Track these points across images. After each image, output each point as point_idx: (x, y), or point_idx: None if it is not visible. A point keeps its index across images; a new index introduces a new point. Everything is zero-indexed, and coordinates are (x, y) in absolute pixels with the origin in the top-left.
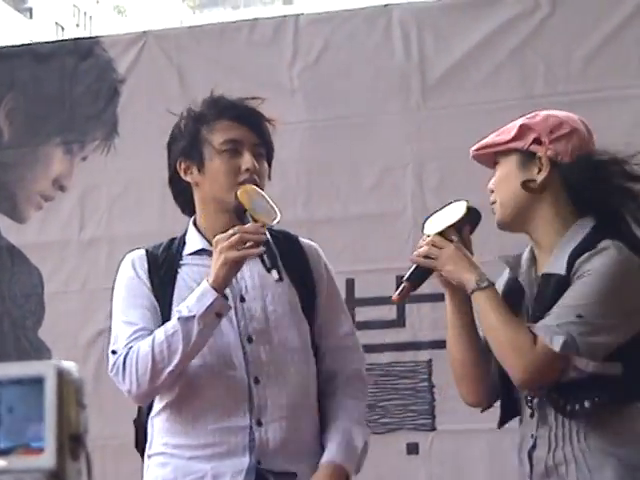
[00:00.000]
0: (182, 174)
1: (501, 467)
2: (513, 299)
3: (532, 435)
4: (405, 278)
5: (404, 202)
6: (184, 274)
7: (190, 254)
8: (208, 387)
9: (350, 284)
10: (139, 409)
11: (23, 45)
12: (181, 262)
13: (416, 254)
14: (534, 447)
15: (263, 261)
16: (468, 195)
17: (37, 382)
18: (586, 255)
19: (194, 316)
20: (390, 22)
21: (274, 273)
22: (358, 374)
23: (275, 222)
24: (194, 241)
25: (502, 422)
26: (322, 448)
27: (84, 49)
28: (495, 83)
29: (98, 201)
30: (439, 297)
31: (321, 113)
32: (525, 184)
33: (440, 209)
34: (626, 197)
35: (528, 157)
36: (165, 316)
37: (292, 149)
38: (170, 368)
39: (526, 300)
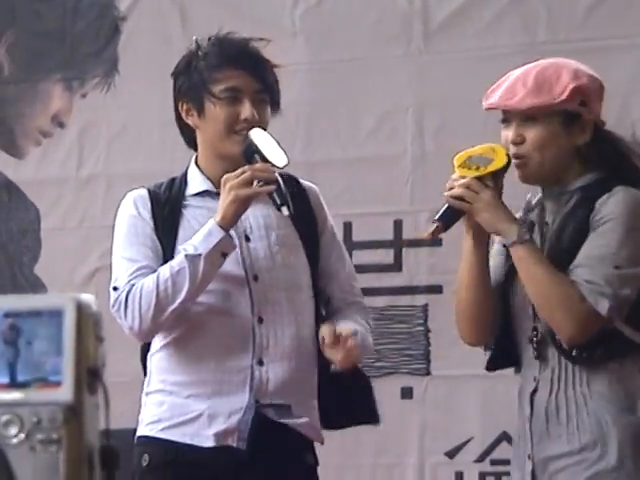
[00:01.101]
0: (183, 115)
1: (494, 412)
2: None
3: (535, 378)
4: (437, 217)
5: (403, 146)
6: (189, 215)
7: (193, 195)
8: (212, 325)
9: (348, 227)
10: (142, 347)
11: None
12: (185, 202)
13: (449, 194)
14: (535, 390)
15: (273, 199)
16: (468, 140)
17: (56, 315)
18: (603, 198)
19: (200, 255)
20: None
21: (284, 210)
22: (363, 308)
23: (283, 165)
24: (197, 182)
25: (495, 367)
26: (318, 390)
27: None
28: (497, 29)
29: (97, 139)
30: (437, 242)
31: (322, 56)
32: (577, 148)
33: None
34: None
35: (572, 118)
36: (168, 257)
37: (292, 91)
38: (174, 306)
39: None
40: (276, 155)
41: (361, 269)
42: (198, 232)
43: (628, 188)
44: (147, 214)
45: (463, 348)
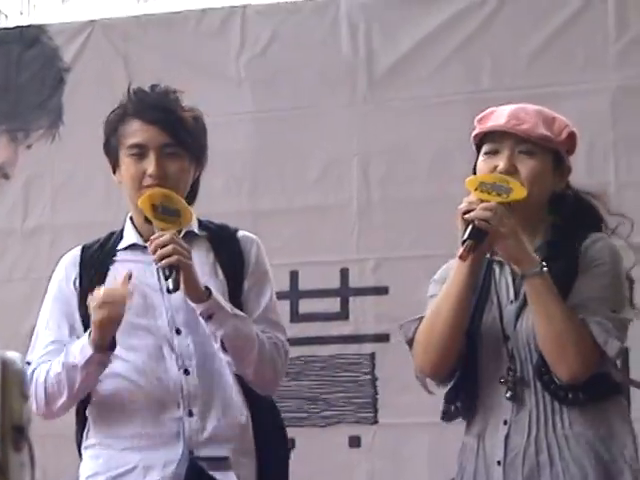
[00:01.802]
0: (111, 171)
1: (443, 460)
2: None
3: (506, 421)
4: (466, 237)
5: (349, 194)
6: (115, 271)
7: (123, 249)
8: (141, 380)
9: (294, 276)
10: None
11: None
12: (114, 258)
13: (474, 215)
14: (508, 434)
15: (161, 272)
16: (413, 188)
17: None
18: (588, 241)
19: (76, 365)
20: (337, 14)
21: (169, 283)
22: (270, 338)
23: (182, 226)
24: (128, 235)
25: (452, 418)
26: (251, 434)
27: (30, 37)
28: (442, 77)
29: (42, 189)
30: (382, 290)
31: (268, 104)
32: (552, 193)
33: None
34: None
35: (560, 162)
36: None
37: (238, 139)
38: (63, 400)
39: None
40: (172, 217)
41: (308, 318)
42: (80, 338)
43: (602, 235)
44: (73, 277)
45: (410, 396)
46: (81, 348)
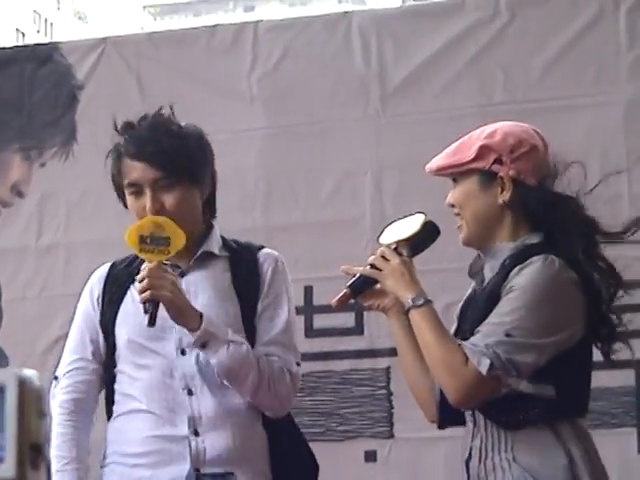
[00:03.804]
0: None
1: (459, 475)
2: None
3: (468, 445)
4: (347, 284)
5: (362, 209)
6: (133, 289)
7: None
8: (150, 399)
9: (309, 291)
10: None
11: None
12: (136, 277)
13: (370, 262)
14: (470, 457)
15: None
16: (427, 202)
17: None
18: (516, 269)
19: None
20: (349, 29)
21: (146, 318)
22: (272, 361)
23: (172, 253)
24: None
25: (445, 425)
26: (267, 454)
27: (43, 55)
28: (454, 91)
29: (56, 207)
30: None
31: (280, 120)
32: (503, 206)
33: (400, 218)
34: (580, 233)
35: (489, 177)
36: (111, 332)
37: (251, 156)
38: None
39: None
40: (159, 246)
41: (323, 333)
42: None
43: (546, 259)
44: (97, 294)
45: None
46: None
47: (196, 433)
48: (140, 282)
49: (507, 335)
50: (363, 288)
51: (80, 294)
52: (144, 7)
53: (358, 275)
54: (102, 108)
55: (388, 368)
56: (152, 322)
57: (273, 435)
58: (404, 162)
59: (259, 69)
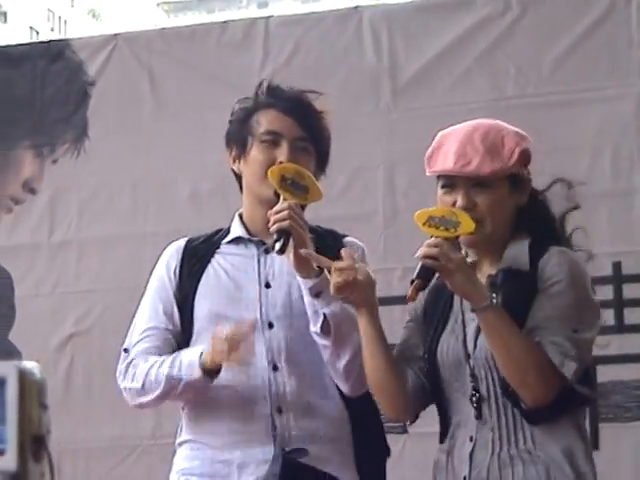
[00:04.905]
0: (231, 162)
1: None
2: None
3: (471, 437)
4: (415, 276)
5: (375, 204)
6: (215, 263)
7: (228, 242)
8: (228, 375)
9: None
10: None
11: None
12: (218, 250)
13: (422, 254)
14: (473, 450)
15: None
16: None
17: None
18: (545, 257)
19: (181, 379)
20: (360, 24)
21: (277, 244)
22: None
23: (308, 201)
24: (234, 229)
25: (414, 420)
26: (349, 434)
27: (55, 52)
28: (465, 85)
29: (68, 204)
30: (400, 300)
31: None
32: (517, 209)
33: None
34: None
35: (516, 181)
36: (190, 305)
37: None
38: (153, 398)
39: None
40: (299, 190)
41: None
42: (188, 351)
43: (561, 248)
44: (174, 267)
45: None
46: (188, 364)
47: (279, 410)
48: (277, 213)
49: (574, 331)
50: (430, 276)
51: (92, 290)
52: (157, 4)
53: (420, 265)
54: (114, 104)
55: None
56: (283, 249)
57: (354, 415)
58: (416, 157)
59: (270, 64)
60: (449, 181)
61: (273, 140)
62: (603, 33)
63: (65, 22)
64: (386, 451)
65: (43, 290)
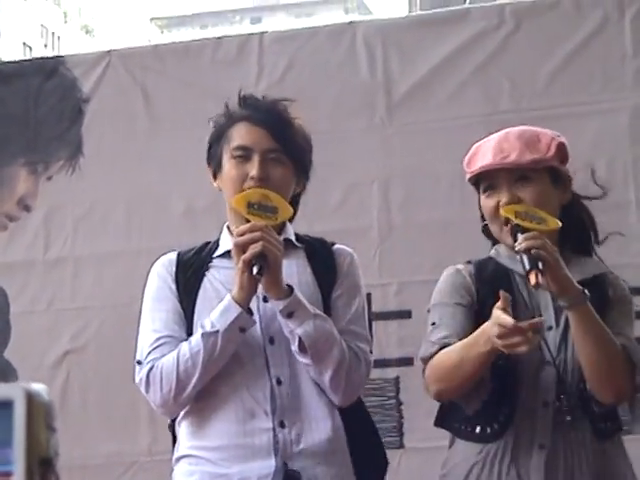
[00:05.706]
0: (212, 180)
1: None
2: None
3: (543, 445)
4: (531, 267)
5: (370, 219)
6: (210, 276)
7: (219, 256)
8: (231, 390)
9: None
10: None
11: None
12: (210, 264)
13: (527, 246)
14: (547, 457)
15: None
16: (434, 212)
17: (6, 405)
18: (613, 276)
19: (217, 331)
20: (354, 39)
21: (254, 269)
22: (352, 349)
23: (278, 221)
24: (224, 243)
25: (488, 439)
26: (346, 446)
27: (48, 68)
28: (460, 100)
29: (63, 221)
30: (405, 314)
31: None
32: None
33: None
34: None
35: (557, 176)
36: (189, 320)
37: None
38: (193, 384)
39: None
40: (267, 212)
41: None
42: (217, 307)
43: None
44: (170, 278)
45: None
46: (222, 311)
47: (282, 424)
48: (242, 235)
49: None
50: (538, 269)
51: (87, 307)
52: (151, 19)
53: (529, 257)
54: (108, 121)
55: (397, 378)
56: (261, 273)
57: (353, 430)
58: (411, 171)
59: (265, 80)
60: (490, 182)
61: (244, 155)
62: (597, 47)
63: (59, 38)
64: (385, 463)
65: (38, 307)
